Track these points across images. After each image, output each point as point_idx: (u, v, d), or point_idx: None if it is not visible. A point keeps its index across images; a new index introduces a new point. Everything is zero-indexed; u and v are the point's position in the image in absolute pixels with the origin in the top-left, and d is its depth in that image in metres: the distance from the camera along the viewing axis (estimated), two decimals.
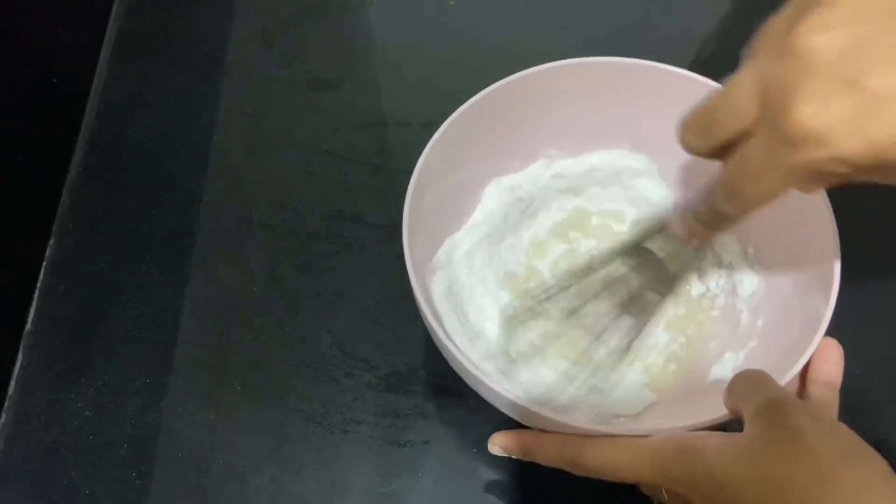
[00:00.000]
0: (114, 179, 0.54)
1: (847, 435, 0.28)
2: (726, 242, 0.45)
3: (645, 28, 0.59)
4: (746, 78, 0.27)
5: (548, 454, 0.34)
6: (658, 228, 0.39)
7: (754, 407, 0.29)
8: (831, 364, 0.34)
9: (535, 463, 0.36)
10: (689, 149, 0.31)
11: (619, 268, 0.42)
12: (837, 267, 0.35)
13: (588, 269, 0.42)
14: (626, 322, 0.42)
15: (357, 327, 0.47)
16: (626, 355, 0.42)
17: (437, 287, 0.42)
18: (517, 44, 0.58)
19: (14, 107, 0.50)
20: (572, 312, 0.43)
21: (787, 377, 0.33)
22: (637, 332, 0.41)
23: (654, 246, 0.40)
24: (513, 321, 0.44)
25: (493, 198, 0.47)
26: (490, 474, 0.42)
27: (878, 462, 0.27)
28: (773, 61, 0.26)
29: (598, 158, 0.47)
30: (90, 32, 0.60)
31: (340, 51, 0.59)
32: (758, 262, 0.43)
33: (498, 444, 0.36)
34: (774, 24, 0.27)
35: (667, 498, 0.32)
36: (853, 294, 0.36)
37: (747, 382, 0.31)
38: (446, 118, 0.40)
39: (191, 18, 0.61)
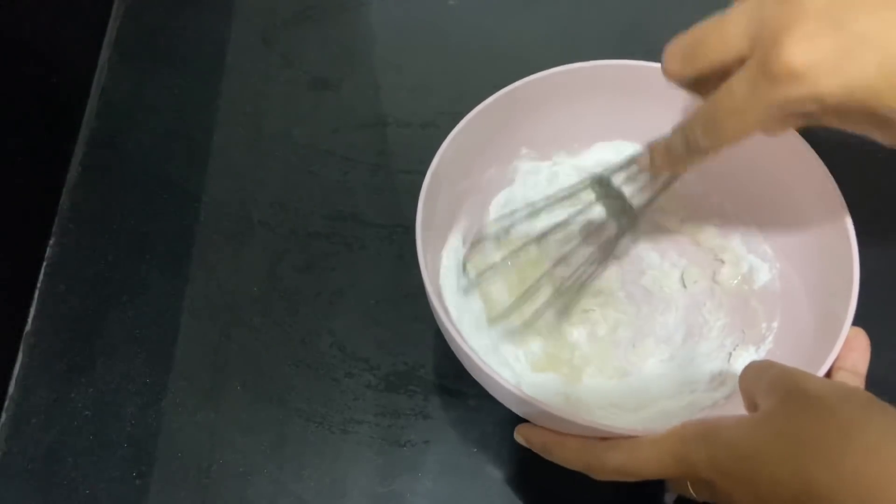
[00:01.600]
0: (114, 179, 0.54)
1: (862, 393, 0.28)
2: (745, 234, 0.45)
3: (645, 28, 0.59)
4: (742, 14, 0.29)
5: (567, 456, 0.34)
6: (626, 164, 0.40)
7: (765, 385, 0.29)
8: (858, 352, 0.35)
9: (534, 463, 0.36)
10: (671, 74, 0.32)
11: (586, 199, 0.43)
12: (856, 269, 0.35)
13: (557, 199, 0.43)
14: (586, 251, 0.44)
15: (357, 327, 0.47)
16: (586, 285, 0.44)
17: (446, 288, 0.42)
18: (517, 43, 0.58)
19: (14, 107, 0.50)
20: (539, 239, 0.45)
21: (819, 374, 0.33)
22: (597, 263, 0.43)
23: (620, 180, 0.41)
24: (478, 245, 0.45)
25: (496, 201, 0.47)
26: (490, 474, 0.42)
27: None
28: (770, 3, 0.28)
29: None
30: (90, 32, 0.60)
31: (340, 51, 0.59)
32: (774, 258, 0.43)
33: (522, 434, 0.37)
34: None
35: (692, 491, 0.32)
36: (868, 298, 0.36)
37: (754, 371, 0.32)
38: (446, 118, 0.40)
39: (191, 18, 0.61)
